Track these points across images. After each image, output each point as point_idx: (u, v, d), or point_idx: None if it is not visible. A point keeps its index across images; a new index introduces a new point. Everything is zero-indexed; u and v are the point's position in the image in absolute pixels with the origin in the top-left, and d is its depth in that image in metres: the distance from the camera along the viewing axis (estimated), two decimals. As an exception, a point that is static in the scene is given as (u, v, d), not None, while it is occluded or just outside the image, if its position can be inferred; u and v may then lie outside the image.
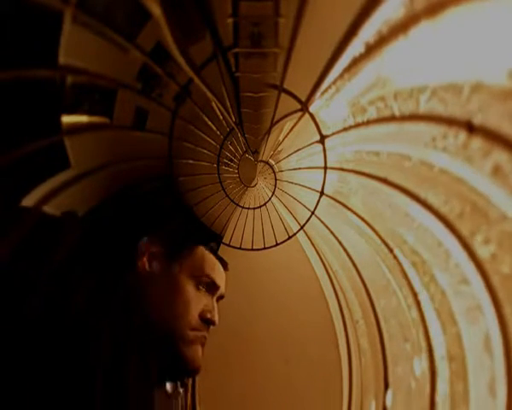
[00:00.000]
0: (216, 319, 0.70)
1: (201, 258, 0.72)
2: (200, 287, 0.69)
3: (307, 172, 0.95)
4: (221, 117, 0.79)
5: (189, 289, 0.67)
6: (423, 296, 0.67)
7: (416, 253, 0.66)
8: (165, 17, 0.51)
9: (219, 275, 0.74)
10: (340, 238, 0.93)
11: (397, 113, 0.58)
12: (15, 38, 0.45)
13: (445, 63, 0.47)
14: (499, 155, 0.43)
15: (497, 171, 0.44)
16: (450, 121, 0.49)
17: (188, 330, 0.65)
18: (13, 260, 0.53)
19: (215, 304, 0.72)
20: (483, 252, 0.49)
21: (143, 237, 0.68)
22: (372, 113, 0.64)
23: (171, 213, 0.84)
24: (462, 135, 0.47)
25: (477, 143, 0.46)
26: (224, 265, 0.78)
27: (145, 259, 0.66)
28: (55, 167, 0.58)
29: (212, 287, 0.71)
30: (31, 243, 0.56)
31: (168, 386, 0.75)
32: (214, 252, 0.77)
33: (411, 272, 0.69)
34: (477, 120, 0.44)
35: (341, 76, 0.64)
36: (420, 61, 0.50)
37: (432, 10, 0.42)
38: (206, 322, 0.68)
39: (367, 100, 0.64)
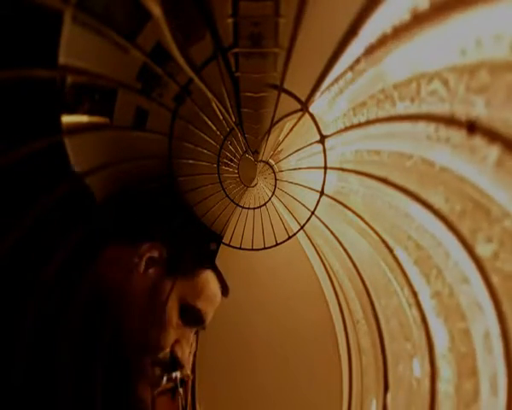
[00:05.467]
0: (186, 365, 0.60)
1: (202, 285, 0.65)
2: (185, 316, 0.61)
3: (307, 172, 0.95)
4: (221, 117, 0.79)
5: (173, 313, 0.59)
6: (424, 295, 0.67)
7: (422, 248, 0.65)
8: (165, 17, 0.51)
9: (212, 308, 0.66)
10: (340, 238, 0.92)
11: (397, 101, 0.58)
12: (15, 38, 0.45)
13: (447, 49, 0.46)
14: (502, 147, 0.43)
15: (500, 163, 0.43)
16: (449, 120, 0.49)
17: (151, 358, 0.56)
18: (11, 260, 0.53)
19: (192, 338, 0.63)
20: (484, 251, 0.49)
21: (143, 238, 0.63)
22: (372, 104, 0.64)
23: (171, 214, 0.83)
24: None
25: (480, 135, 0.45)
26: (225, 291, 0.70)
27: (143, 261, 0.60)
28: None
29: (197, 321, 0.63)
30: (29, 245, 0.56)
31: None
32: (220, 276, 0.69)
33: (413, 271, 0.69)
34: (481, 101, 0.44)
35: (341, 76, 0.64)
36: (422, 54, 0.50)
37: (435, 11, 0.42)
38: (173, 362, 0.58)
39: (367, 95, 0.64)
